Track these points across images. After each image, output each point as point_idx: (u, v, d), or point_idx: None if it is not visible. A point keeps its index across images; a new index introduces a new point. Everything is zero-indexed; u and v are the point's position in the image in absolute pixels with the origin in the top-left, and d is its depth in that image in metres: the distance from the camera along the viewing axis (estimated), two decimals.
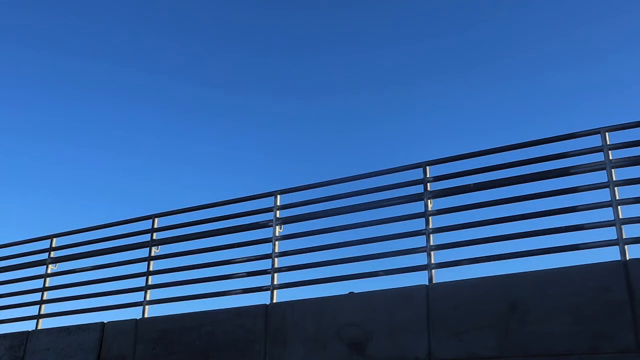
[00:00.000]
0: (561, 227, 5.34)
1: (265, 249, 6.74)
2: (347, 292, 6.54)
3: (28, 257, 8.69)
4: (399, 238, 6.35)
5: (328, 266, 6.33)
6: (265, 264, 6.66)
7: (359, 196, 6.42)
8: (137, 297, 7.38)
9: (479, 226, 5.72)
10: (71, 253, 8.32)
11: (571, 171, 5.47)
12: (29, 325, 8.15)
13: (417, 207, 6.22)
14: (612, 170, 5.26)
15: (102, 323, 7.26)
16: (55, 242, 8.48)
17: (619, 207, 5.12)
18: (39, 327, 8.03)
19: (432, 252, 5.80)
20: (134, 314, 7.28)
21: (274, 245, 6.65)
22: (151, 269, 7.44)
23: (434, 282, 5.69)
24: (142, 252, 7.63)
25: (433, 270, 5.73)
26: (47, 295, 8.23)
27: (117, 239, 7.93)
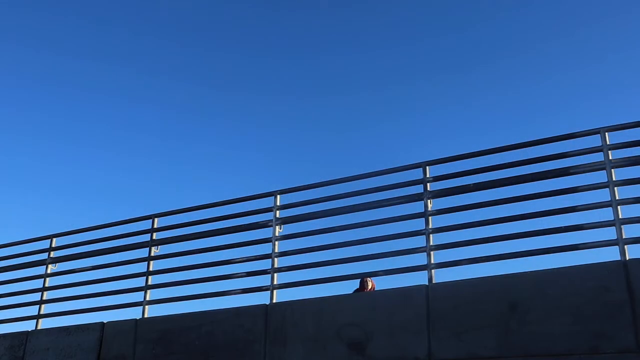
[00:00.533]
0: (561, 227, 5.34)
1: (265, 249, 6.73)
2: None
3: (28, 257, 8.68)
4: (398, 238, 6.34)
5: (328, 266, 6.33)
6: (265, 264, 6.66)
7: (358, 196, 6.41)
8: (137, 297, 7.38)
9: (479, 226, 5.72)
10: (71, 253, 8.31)
11: (571, 171, 5.47)
12: (29, 325, 8.15)
13: (417, 207, 6.23)
14: (612, 170, 5.25)
15: (102, 323, 7.25)
16: (55, 242, 8.47)
17: (618, 207, 5.12)
18: (39, 327, 8.02)
19: (431, 252, 5.80)
20: (134, 314, 7.29)
21: (274, 245, 6.64)
22: (151, 269, 7.44)
23: (433, 282, 5.69)
24: (142, 252, 7.63)
25: (433, 270, 5.73)
26: (46, 295, 8.22)
27: (116, 239, 7.92)
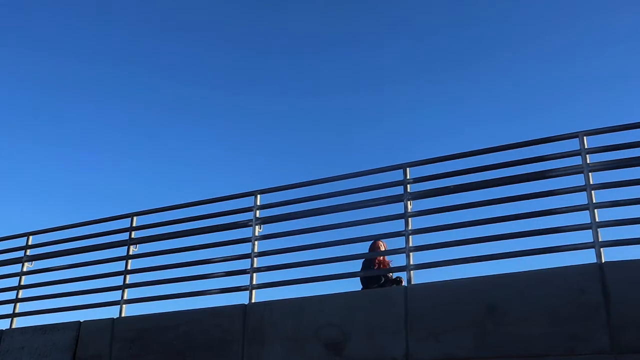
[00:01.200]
0: (539, 229, 5.38)
1: (244, 248, 6.70)
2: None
3: (3, 254, 8.56)
4: (378, 239, 6.35)
5: (307, 266, 6.31)
6: (244, 264, 6.62)
7: (339, 197, 6.41)
8: (115, 296, 7.30)
9: (458, 228, 5.73)
10: (48, 251, 8.20)
11: (549, 174, 5.51)
12: (3, 324, 8.06)
13: (397, 208, 6.24)
14: (590, 173, 5.30)
15: (79, 322, 7.17)
16: (31, 240, 8.36)
17: (595, 210, 5.17)
18: (14, 326, 7.90)
19: (411, 254, 5.81)
20: (111, 313, 7.21)
21: (253, 245, 6.60)
22: (129, 267, 7.36)
23: (412, 283, 5.70)
24: (120, 251, 7.55)
25: (412, 272, 5.74)
26: (22, 293, 8.11)
27: (94, 237, 7.84)
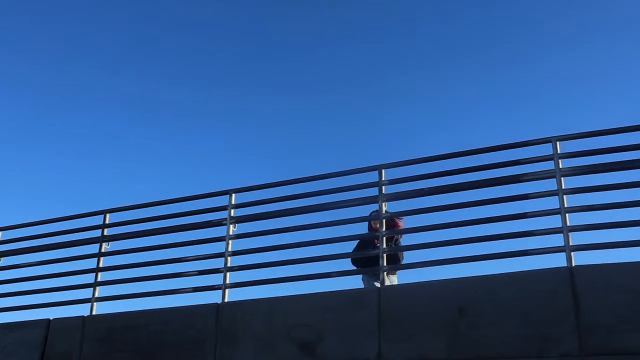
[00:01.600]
0: (512, 232, 5.44)
1: (218, 247, 6.66)
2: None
3: None
4: (352, 240, 6.37)
5: (281, 266, 6.30)
6: (217, 263, 6.58)
7: (314, 197, 6.40)
8: (86, 293, 7.20)
9: (432, 230, 5.77)
10: (17, 247, 8.06)
11: (522, 178, 5.58)
12: None
13: (373, 209, 6.25)
14: (562, 178, 5.38)
15: (48, 320, 7.05)
16: (0, 236, 8.20)
17: (567, 214, 5.24)
18: None
19: (384, 255, 5.83)
20: (82, 311, 7.11)
21: (227, 244, 6.57)
22: (101, 265, 7.27)
23: (385, 284, 5.72)
24: (92, 248, 7.45)
25: (385, 273, 5.76)
26: None
27: (66, 233, 7.73)
